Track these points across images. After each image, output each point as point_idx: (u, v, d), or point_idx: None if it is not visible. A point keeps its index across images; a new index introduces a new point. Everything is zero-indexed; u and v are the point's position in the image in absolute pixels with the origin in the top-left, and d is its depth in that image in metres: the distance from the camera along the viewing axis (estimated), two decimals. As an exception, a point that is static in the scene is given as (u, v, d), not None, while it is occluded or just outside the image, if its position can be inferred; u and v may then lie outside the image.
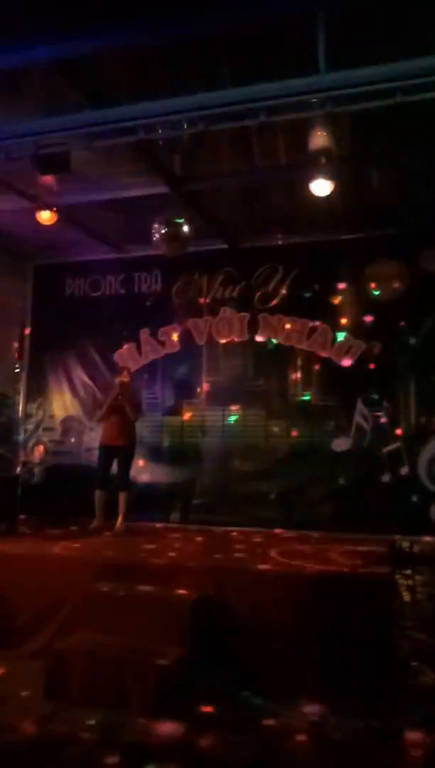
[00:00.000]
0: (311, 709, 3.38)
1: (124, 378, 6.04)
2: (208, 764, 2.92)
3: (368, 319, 6.52)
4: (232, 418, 6.85)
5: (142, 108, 3.51)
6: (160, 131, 3.65)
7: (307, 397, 6.67)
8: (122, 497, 5.82)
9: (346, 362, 6.53)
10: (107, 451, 5.95)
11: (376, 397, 6.36)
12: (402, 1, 3.42)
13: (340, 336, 6.58)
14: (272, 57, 3.55)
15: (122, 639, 3.69)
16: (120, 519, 5.79)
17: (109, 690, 3.41)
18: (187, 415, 7.05)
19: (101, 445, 6.05)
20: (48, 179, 5.12)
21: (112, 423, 5.94)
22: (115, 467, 5.94)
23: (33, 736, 3.10)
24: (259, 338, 6.86)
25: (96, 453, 6.22)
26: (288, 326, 6.76)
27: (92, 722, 3.18)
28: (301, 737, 3.13)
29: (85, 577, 4.26)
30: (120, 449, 5.91)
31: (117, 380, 6.07)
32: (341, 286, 6.65)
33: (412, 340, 6.33)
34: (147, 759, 2.88)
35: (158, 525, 6.49)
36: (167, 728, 3.14)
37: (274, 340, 6.80)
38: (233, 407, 6.85)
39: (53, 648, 3.81)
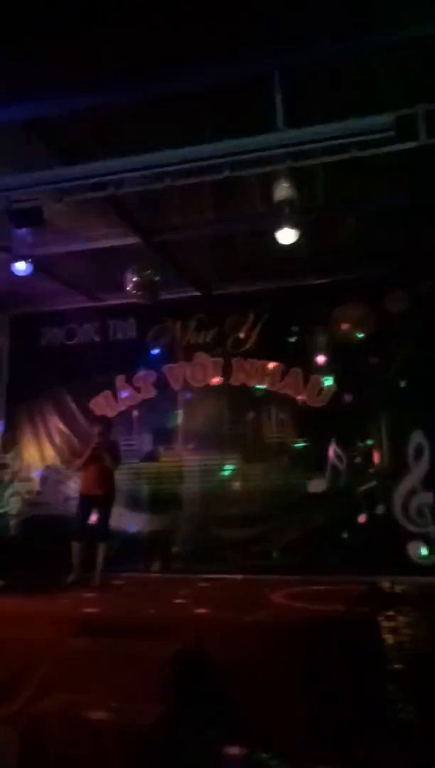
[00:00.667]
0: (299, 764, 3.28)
1: (101, 428, 6.01)
2: None
3: (337, 360, 6.64)
4: (228, 470, 6.77)
5: (109, 165, 3.65)
6: (127, 187, 3.80)
7: (296, 443, 6.65)
8: (101, 549, 5.67)
9: (319, 403, 6.61)
10: (86, 501, 5.85)
11: (349, 437, 6.42)
12: (354, 63, 3.69)
13: (314, 378, 6.68)
14: (234, 115, 3.76)
15: (101, 699, 3.55)
16: (97, 572, 5.63)
17: (87, 756, 3.26)
18: (164, 461, 7.01)
19: (80, 494, 5.96)
20: (22, 232, 5.22)
21: (91, 472, 5.86)
22: (93, 517, 5.82)
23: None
24: (234, 383, 6.93)
25: (73, 504, 6.13)
26: (261, 370, 6.85)
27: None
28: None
29: (61, 634, 4.12)
30: (98, 498, 5.81)
31: (95, 430, 6.04)
32: (311, 329, 6.79)
33: (381, 379, 6.44)
34: None
35: (138, 575, 6.34)
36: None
37: (262, 386, 6.81)
38: (219, 457, 6.79)
39: (28, 713, 3.64)
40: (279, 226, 5.15)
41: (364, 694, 3.62)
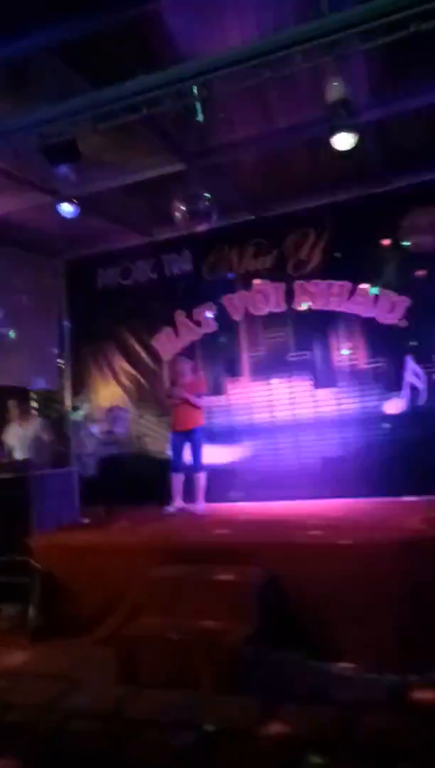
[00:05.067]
0: (388, 677, 3.31)
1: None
2: (287, 740, 2.89)
3: (409, 272, 6.18)
4: (298, 398, 6.55)
5: (141, 82, 3.38)
6: (163, 106, 3.52)
7: (369, 364, 6.35)
8: (201, 479, 5.91)
9: (392, 320, 6.26)
10: (177, 437, 6.05)
11: (426, 353, 6.05)
12: None
13: (384, 294, 6.26)
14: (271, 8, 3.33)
15: (189, 620, 3.71)
16: (200, 499, 5.91)
17: (179, 672, 3.44)
18: (231, 394, 6.97)
19: (171, 432, 6.15)
20: (65, 171, 5.07)
21: (180, 409, 6.02)
22: (187, 452, 6.00)
23: (109, 721, 3.16)
24: (298, 307, 6.66)
25: (146, 440, 6.23)
26: (326, 291, 6.53)
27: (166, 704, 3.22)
28: (381, 707, 3.06)
29: (150, 563, 4.30)
30: (188, 433, 5.98)
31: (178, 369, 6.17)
32: (377, 242, 6.32)
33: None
34: (225, 738, 2.88)
35: (216, 505, 6.49)
36: (242, 705, 3.14)
37: (328, 308, 6.48)
38: (288, 385, 6.62)
39: (122, 634, 3.88)
40: (334, 131, 4.73)
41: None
